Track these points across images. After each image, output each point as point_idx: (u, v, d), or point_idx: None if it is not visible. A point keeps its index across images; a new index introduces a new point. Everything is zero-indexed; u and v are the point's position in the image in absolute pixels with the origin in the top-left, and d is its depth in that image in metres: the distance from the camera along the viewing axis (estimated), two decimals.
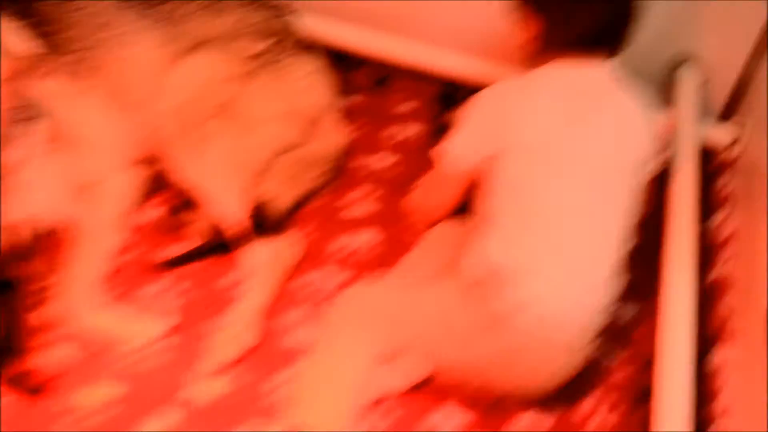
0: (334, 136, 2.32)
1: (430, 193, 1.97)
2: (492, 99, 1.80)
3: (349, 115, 2.46)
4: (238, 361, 1.93)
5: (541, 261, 1.72)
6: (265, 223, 2.10)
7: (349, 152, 2.37)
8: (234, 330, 1.96)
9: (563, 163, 1.75)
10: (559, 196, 1.74)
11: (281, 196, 2.16)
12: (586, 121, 1.76)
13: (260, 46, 2.22)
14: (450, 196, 1.93)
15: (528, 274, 1.71)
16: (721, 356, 1.87)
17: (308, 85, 2.26)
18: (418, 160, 2.34)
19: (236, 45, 2.19)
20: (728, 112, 2.30)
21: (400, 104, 2.52)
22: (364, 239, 2.18)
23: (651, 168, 1.86)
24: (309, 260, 2.13)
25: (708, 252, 2.08)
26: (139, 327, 1.97)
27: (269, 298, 2.04)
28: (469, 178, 1.85)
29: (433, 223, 2.02)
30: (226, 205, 2.12)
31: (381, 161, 2.38)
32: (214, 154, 2.13)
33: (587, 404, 1.91)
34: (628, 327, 2.00)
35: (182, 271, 2.11)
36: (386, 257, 2.12)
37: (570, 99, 1.77)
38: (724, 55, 2.20)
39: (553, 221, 1.74)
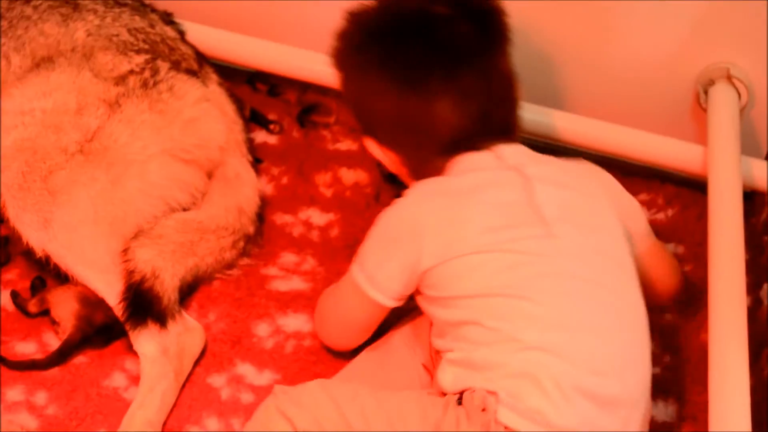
0: (242, 189, 2.24)
1: (346, 313, 1.96)
2: (410, 210, 1.84)
3: (266, 157, 2.38)
4: None
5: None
6: (145, 306, 2.00)
7: (265, 209, 2.28)
8: None
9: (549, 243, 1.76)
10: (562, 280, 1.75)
11: (167, 270, 2.05)
12: (545, 188, 1.81)
13: (127, 64, 2.17)
14: (364, 327, 1.96)
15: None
16: None
17: (198, 116, 2.20)
18: (358, 218, 2.28)
19: (95, 62, 2.14)
20: None
21: (335, 142, 2.44)
22: (291, 327, 2.10)
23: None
24: (213, 357, 2.04)
25: (765, 329, 2.04)
26: None
27: (166, 406, 1.94)
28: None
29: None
30: (94, 280, 2.03)
31: (309, 220, 2.29)
32: (73, 209, 2.03)
33: None
34: None
35: (49, 374, 1.99)
36: (320, 354, 2.05)
37: (508, 179, 1.82)
38: None
39: (571, 306, 1.74)
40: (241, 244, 2.18)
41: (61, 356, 2.00)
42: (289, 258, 2.20)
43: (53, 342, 2.03)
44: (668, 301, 2.03)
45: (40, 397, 1.95)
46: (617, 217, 1.83)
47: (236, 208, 2.18)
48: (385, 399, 1.75)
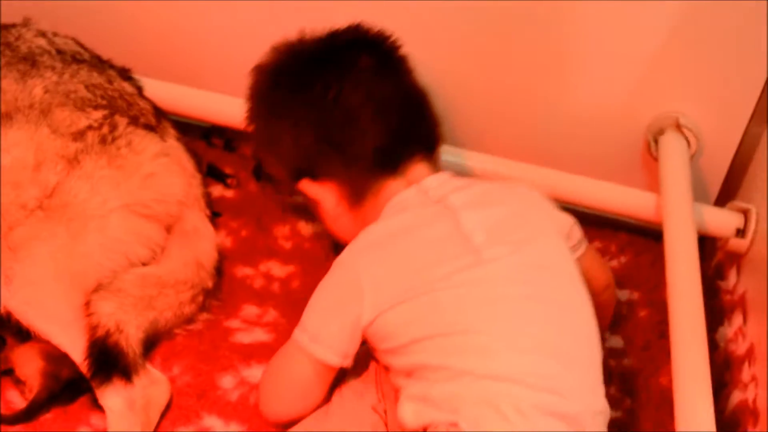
0: (200, 243, 2.22)
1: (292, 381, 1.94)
2: (346, 271, 1.87)
3: (224, 211, 2.38)
4: None
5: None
6: (111, 362, 1.96)
7: (225, 262, 2.28)
8: None
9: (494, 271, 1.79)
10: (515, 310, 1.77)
11: (130, 323, 2.03)
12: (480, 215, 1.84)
13: (86, 120, 2.15)
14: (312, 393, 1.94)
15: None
16: None
17: (157, 171, 2.18)
18: (318, 269, 2.23)
19: (53, 119, 2.12)
20: (724, 194, 2.33)
21: (292, 195, 2.43)
22: (255, 379, 2.07)
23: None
24: (180, 410, 2.02)
25: (721, 371, 2.07)
26: None
27: None
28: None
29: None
30: (57, 336, 1.99)
31: (270, 272, 2.29)
32: (33, 265, 2.01)
33: None
34: None
35: (14, 430, 1.96)
36: None
37: (434, 215, 1.87)
38: (719, 121, 2.24)
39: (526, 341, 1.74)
40: (201, 298, 2.16)
41: (28, 415, 1.96)
42: (250, 310, 2.19)
43: (16, 400, 1.99)
44: (605, 296, 2.04)
45: None
46: (550, 222, 1.88)
47: (195, 263, 2.16)
48: None
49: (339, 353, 1.84)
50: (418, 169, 1.93)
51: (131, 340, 1.99)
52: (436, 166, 1.97)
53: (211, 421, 1.99)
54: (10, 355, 2.02)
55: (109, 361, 1.95)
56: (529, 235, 1.82)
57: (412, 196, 1.89)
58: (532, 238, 1.82)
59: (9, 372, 2.01)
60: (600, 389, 1.76)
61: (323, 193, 1.98)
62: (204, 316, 2.16)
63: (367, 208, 1.94)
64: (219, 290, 2.21)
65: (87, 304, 1.99)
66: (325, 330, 1.84)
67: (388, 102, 1.93)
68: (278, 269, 2.28)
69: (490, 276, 1.76)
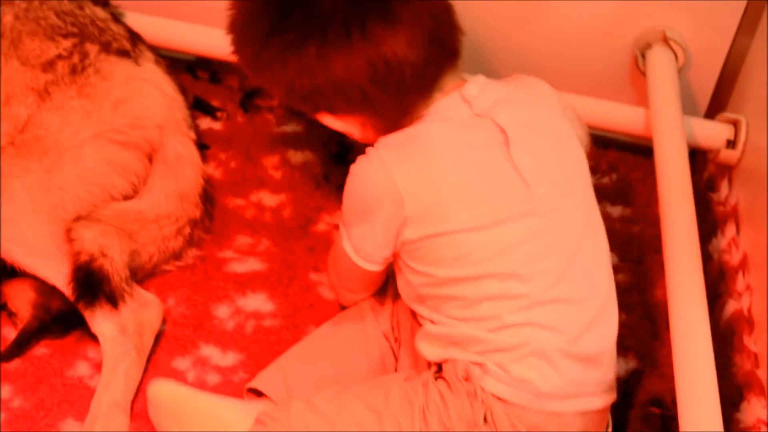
0: (183, 171, 2.18)
1: (342, 277, 1.92)
2: (382, 176, 1.71)
3: (212, 143, 2.35)
4: None
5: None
6: (96, 285, 1.94)
7: (216, 193, 2.25)
8: None
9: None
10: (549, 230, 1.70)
11: (113, 248, 1.99)
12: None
13: (55, 49, 2.11)
14: (371, 284, 1.92)
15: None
16: (752, 413, 1.83)
17: (129, 95, 2.14)
18: (309, 198, 2.27)
19: (22, 49, 2.07)
20: (714, 106, 2.31)
21: (280, 125, 2.41)
22: (250, 308, 2.07)
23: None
24: (176, 340, 2.02)
25: (715, 282, 2.07)
26: None
27: (132, 385, 1.90)
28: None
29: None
30: (41, 268, 1.98)
31: (261, 202, 2.27)
32: (10, 202, 1.98)
33: None
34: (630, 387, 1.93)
35: (11, 367, 1.96)
36: (281, 333, 2.03)
37: (481, 132, 1.73)
38: (706, 32, 2.21)
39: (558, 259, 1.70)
40: (187, 230, 2.13)
41: (19, 346, 1.95)
42: (243, 240, 2.17)
43: (11, 335, 1.98)
44: None
45: (5, 391, 1.90)
46: (575, 133, 1.81)
47: (177, 194, 2.12)
48: (371, 397, 1.73)
49: (384, 261, 1.78)
50: (451, 77, 1.76)
51: (116, 264, 1.96)
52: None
53: (208, 350, 1.98)
54: (3, 289, 2.00)
55: (94, 284, 1.92)
56: (566, 167, 1.74)
57: (454, 104, 1.74)
58: (569, 172, 1.74)
59: (2, 306, 2.00)
60: (615, 323, 1.75)
61: (348, 126, 1.81)
62: (193, 252, 2.14)
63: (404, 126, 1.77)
64: (208, 219, 2.19)
65: (68, 231, 1.96)
66: (367, 242, 1.75)
67: (415, 17, 1.69)
68: (269, 199, 2.25)
69: (539, 224, 1.67)
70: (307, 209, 2.21)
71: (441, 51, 1.72)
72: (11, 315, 1.99)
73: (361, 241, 1.75)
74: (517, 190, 1.67)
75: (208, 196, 2.20)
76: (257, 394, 1.86)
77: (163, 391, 1.84)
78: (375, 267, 1.78)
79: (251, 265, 2.13)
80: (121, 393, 1.87)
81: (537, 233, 1.66)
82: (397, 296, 1.89)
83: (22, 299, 1.99)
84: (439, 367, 1.73)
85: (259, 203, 2.24)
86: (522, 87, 1.81)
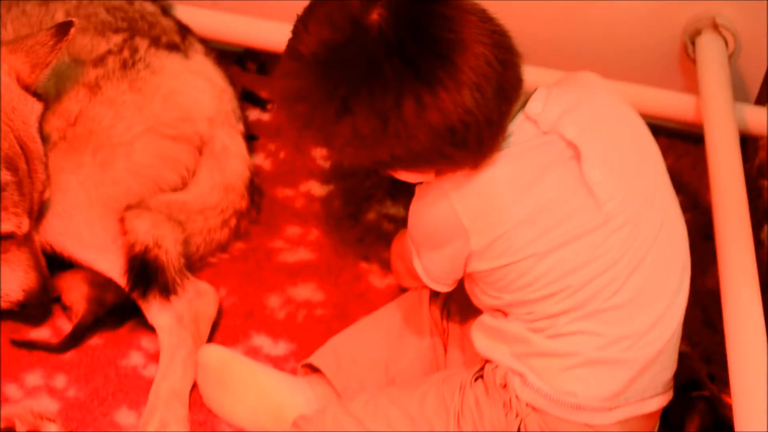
0: (229, 163, 2.18)
1: (410, 272, 1.86)
2: (443, 208, 1.65)
3: (261, 134, 2.36)
4: None
5: None
6: (151, 276, 1.95)
7: (265, 184, 2.26)
8: (155, 426, 1.84)
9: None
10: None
11: (167, 237, 2.00)
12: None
13: (106, 44, 2.11)
14: None
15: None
16: None
17: (179, 89, 2.14)
18: (358, 187, 2.28)
19: (74, 45, 2.05)
20: (765, 92, 2.29)
21: None
22: (301, 297, 2.08)
23: None
24: (228, 330, 2.03)
25: (766, 269, 2.01)
26: None
27: (190, 374, 1.92)
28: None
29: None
30: (97, 261, 1.99)
31: (310, 192, 2.27)
32: (64, 196, 1.98)
33: None
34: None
35: (66, 357, 1.97)
36: (331, 323, 2.03)
37: (550, 151, 1.64)
38: (756, 18, 2.19)
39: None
40: (233, 221, 2.13)
41: (74, 339, 1.96)
42: (293, 230, 2.18)
43: (66, 327, 1.99)
44: None
45: (60, 381, 1.91)
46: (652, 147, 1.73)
47: (222, 186, 2.12)
48: (406, 401, 1.73)
49: (452, 284, 1.74)
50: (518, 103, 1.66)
51: (170, 255, 1.97)
52: None
53: (260, 340, 1.99)
54: (57, 283, 2.01)
55: (149, 275, 1.93)
56: (645, 175, 1.68)
57: (519, 127, 1.63)
58: (649, 180, 1.68)
59: (57, 299, 2.02)
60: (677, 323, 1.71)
61: (423, 177, 1.67)
62: (239, 244, 2.14)
63: None
64: (258, 213, 2.20)
65: (121, 222, 1.97)
66: (435, 266, 1.71)
67: (478, 65, 1.54)
68: (318, 189, 2.25)
69: (610, 244, 1.62)
70: (356, 199, 2.22)
71: (509, 89, 1.59)
72: (66, 309, 2.01)
73: (430, 263, 1.71)
74: (585, 208, 1.62)
75: (255, 188, 2.21)
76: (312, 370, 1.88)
77: (212, 355, 1.87)
78: (444, 288, 1.75)
79: (301, 254, 2.13)
80: (179, 382, 1.88)
81: (606, 250, 1.62)
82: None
83: (76, 293, 2.00)
84: (479, 371, 1.72)
85: (308, 193, 2.25)
86: (581, 88, 1.72)
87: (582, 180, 1.61)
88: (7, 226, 1.81)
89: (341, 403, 1.77)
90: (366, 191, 2.22)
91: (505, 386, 1.67)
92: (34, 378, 1.92)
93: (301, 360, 1.91)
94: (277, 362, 1.94)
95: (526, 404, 1.65)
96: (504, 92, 1.57)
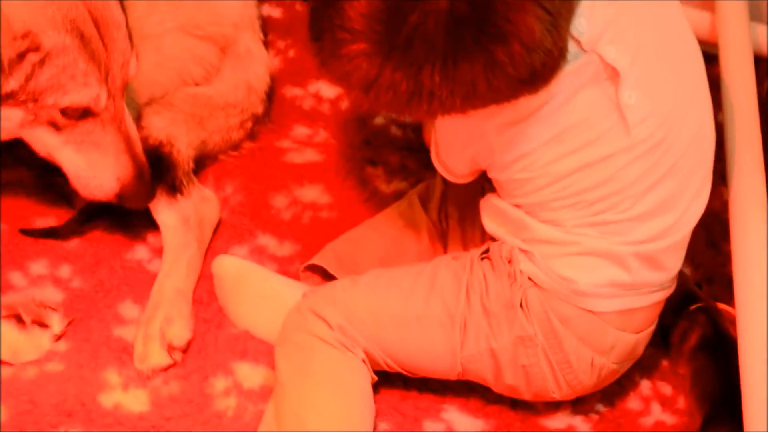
0: (252, 66, 2.18)
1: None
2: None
3: (271, 31, 2.32)
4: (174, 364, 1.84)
5: None
6: (163, 170, 1.96)
7: (274, 83, 2.24)
8: (159, 321, 1.84)
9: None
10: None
11: (181, 139, 2.01)
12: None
13: None
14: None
15: None
16: None
17: None
18: None
19: None
20: None
21: None
22: (307, 198, 2.08)
23: None
24: (234, 229, 2.03)
25: None
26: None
27: (193, 275, 1.93)
28: None
29: None
30: None
31: (319, 93, 2.26)
32: None
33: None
34: None
35: (71, 247, 1.97)
36: (337, 225, 2.02)
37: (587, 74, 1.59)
38: None
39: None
40: (249, 124, 2.13)
41: (79, 222, 1.96)
42: (301, 131, 2.17)
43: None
44: None
45: (65, 271, 1.92)
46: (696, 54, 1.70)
47: (246, 85, 2.13)
48: (420, 274, 1.74)
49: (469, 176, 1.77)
50: None
51: (183, 155, 1.97)
52: None
53: (265, 240, 1.99)
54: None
55: (159, 169, 1.93)
56: (683, 100, 1.64)
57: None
58: (688, 103, 1.65)
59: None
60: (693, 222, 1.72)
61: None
62: (248, 144, 2.14)
63: None
64: (268, 117, 2.18)
65: (139, 117, 1.96)
66: (458, 167, 1.74)
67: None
68: (327, 90, 2.24)
69: (635, 169, 1.60)
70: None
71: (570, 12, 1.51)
72: (68, 193, 1.98)
73: (454, 165, 1.74)
74: (614, 132, 1.59)
75: (270, 93, 2.20)
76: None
77: (227, 265, 1.88)
78: (460, 180, 1.77)
79: (308, 155, 2.13)
80: (184, 281, 1.89)
81: (627, 172, 1.60)
82: (446, 185, 1.88)
83: None
84: (485, 252, 1.74)
85: (317, 94, 2.23)
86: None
87: (615, 102, 1.58)
88: (78, 98, 1.73)
89: (353, 277, 1.77)
90: None
91: (510, 261, 1.69)
92: (39, 267, 1.92)
93: (305, 261, 1.91)
94: (282, 263, 1.95)
95: (528, 278, 1.67)
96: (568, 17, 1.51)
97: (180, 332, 1.84)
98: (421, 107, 1.48)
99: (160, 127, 1.96)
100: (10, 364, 1.78)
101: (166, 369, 1.81)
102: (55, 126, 1.74)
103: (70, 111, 1.72)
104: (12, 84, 1.66)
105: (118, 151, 1.81)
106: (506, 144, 1.61)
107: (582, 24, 1.55)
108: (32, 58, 1.65)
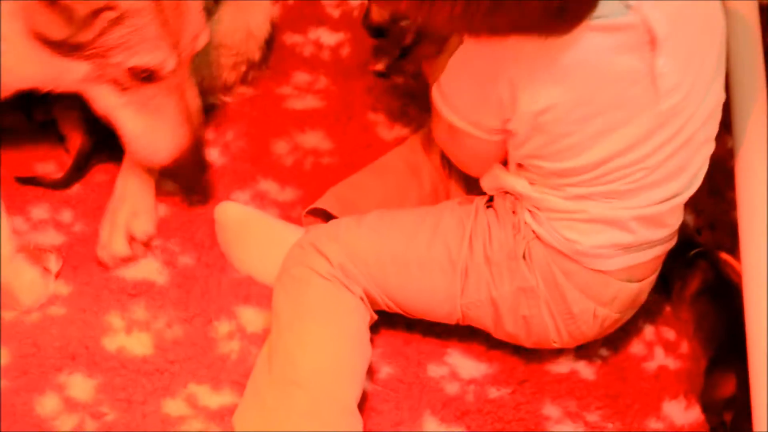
0: (254, 13, 2.14)
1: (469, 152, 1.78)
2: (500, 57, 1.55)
3: None
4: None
5: None
6: None
7: (274, 30, 2.21)
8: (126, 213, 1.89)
9: None
10: None
11: None
12: None
13: None
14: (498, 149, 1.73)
15: None
16: None
17: None
18: (367, 37, 2.15)
19: None
20: None
21: None
22: (309, 144, 2.07)
23: None
24: (235, 174, 2.03)
25: None
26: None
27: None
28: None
29: None
30: None
31: (319, 40, 2.25)
32: None
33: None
34: None
35: (73, 192, 1.97)
36: (339, 171, 2.01)
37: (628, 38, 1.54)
38: None
39: None
40: (243, 68, 2.11)
41: (76, 170, 1.95)
42: (301, 77, 2.16)
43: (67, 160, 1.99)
44: None
45: (66, 215, 1.91)
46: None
47: (244, 30, 2.10)
48: (424, 217, 1.74)
49: (500, 130, 1.64)
50: None
51: None
52: None
53: (267, 185, 1.98)
54: (53, 108, 1.98)
55: None
56: (708, 71, 1.61)
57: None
58: (712, 74, 1.62)
59: (52, 123, 2.00)
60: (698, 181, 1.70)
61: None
62: (246, 89, 2.12)
63: None
64: (265, 64, 2.16)
65: None
66: (479, 115, 1.63)
67: None
68: (327, 37, 2.23)
69: (657, 139, 1.58)
70: (365, 48, 2.18)
71: None
72: (62, 141, 1.99)
73: (473, 114, 1.64)
74: (643, 98, 1.55)
75: (270, 42, 2.17)
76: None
77: (229, 211, 1.88)
78: (492, 137, 1.66)
79: (309, 102, 2.12)
80: (149, 176, 1.91)
81: (649, 142, 1.58)
82: None
83: (69, 118, 1.97)
84: (489, 200, 1.73)
85: (317, 41, 2.22)
86: None
87: (650, 69, 1.54)
88: (145, 60, 1.71)
89: (357, 216, 1.76)
90: (376, 41, 2.20)
91: (514, 212, 1.68)
92: (40, 211, 1.91)
93: (307, 206, 1.90)
94: (283, 208, 1.95)
95: (533, 230, 1.66)
96: None
97: (143, 226, 1.86)
98: (444, 9, 1.44)
99: None
100: (13, 309, 1.78)
101: (126, 261, 1.84)
102: (119, 86, 1.73)
103: (136, 72, 1.71)
104: (83, 37, 1.65)
105: (177, 120, 1.80)
106: (530, 81, 1.54)
107: None
108: (108, 15, 1.63)
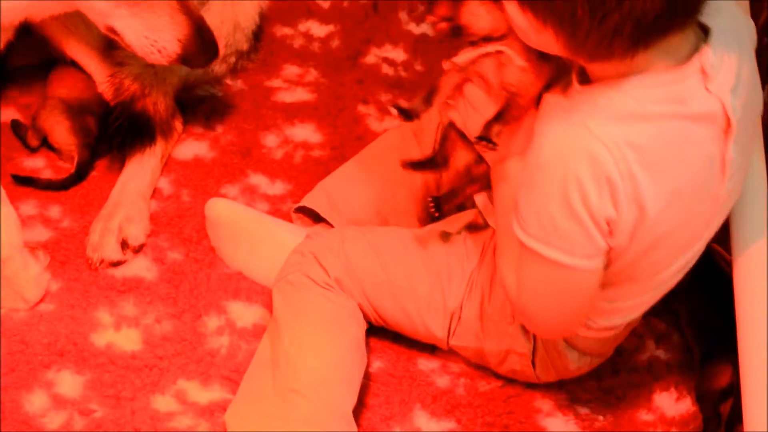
0: (243, 4, 2.15)
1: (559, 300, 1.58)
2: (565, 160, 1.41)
3: None
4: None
5: None
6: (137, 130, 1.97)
7: (264, 22, 2.21)
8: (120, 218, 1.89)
9: None
10: None
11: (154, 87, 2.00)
12: None
13: None
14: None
15: None
16: None
17: None
18: (357, 29, 2.24)
19: None
20: None
21: None
22: (299, 137, 2.06)
23: None
24: (225, 168, 2.02)
25: None
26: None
27: (155, 178, 1.98)
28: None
29: None
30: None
31: (309, 32, 2.24)
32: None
33: None
34: None
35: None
36: (329, 164, 2.01)
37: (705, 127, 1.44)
38: None
39: None
40: (232, 59, 2.11)
41: (79, 176, 1.95)
42: (291, 70, 2.15)
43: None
44: None
45: (54, 211, 1.91)
46: None
47: (232, 22, 2.10)
48: (432, 256, 1.72)
49: (600, 252, 1.46)
50: (683, 39, 1.40)
51: (158, 106, 1.98)
52: None
53: (257, 179, 1.97)
54: (40, 124, 1.98)
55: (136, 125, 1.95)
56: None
57: (691, 79, 1.39)
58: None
59: (45, 141, 1.99)
60: None
61: (534, 33, 1.40)
62: (235, 81, 2.11)
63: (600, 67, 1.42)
64: (257, 51, 2.16)
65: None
66: (567, 237, 1.44)
67: None
68: (318, 29, 2.22)
69: (701, 224, 1.50)
70: (355, 41, 2.18)
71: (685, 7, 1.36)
72: (56, 151, 1.98)
73: (559, 238, 1.43)
74: (711, 187, 1.47)
75: (258, 33, 2.17)
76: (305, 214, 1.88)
77: (220, 208, 1.86)
78: (588, 263, 1.46)
79: (299, 95, 2.11)
80: (147, 187, 1.92)
81: (694, 230, 1.52)
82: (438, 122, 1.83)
83: (60, 131, 1.96)
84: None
85: (307, 33, 2.21)
86: (736, 42, 1.47)
87: (721, 156, 1.45)
88: None
89: (360, 228, 1.76)
90: (365, 33, 2.19)
91: None
92: (28, 207, 1.90)
93: (297, 199, 1.90)
94: (274, 201, 1.94)
95: None
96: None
97: (136, 232, 1.86)
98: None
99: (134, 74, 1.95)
100: (16, 304, 1.77)
101: (115, 265, 1.83)
102: None
103: None
104: None
105: (172, 11, 1.76)
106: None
107: (715, 60, 1.40)
108: None
